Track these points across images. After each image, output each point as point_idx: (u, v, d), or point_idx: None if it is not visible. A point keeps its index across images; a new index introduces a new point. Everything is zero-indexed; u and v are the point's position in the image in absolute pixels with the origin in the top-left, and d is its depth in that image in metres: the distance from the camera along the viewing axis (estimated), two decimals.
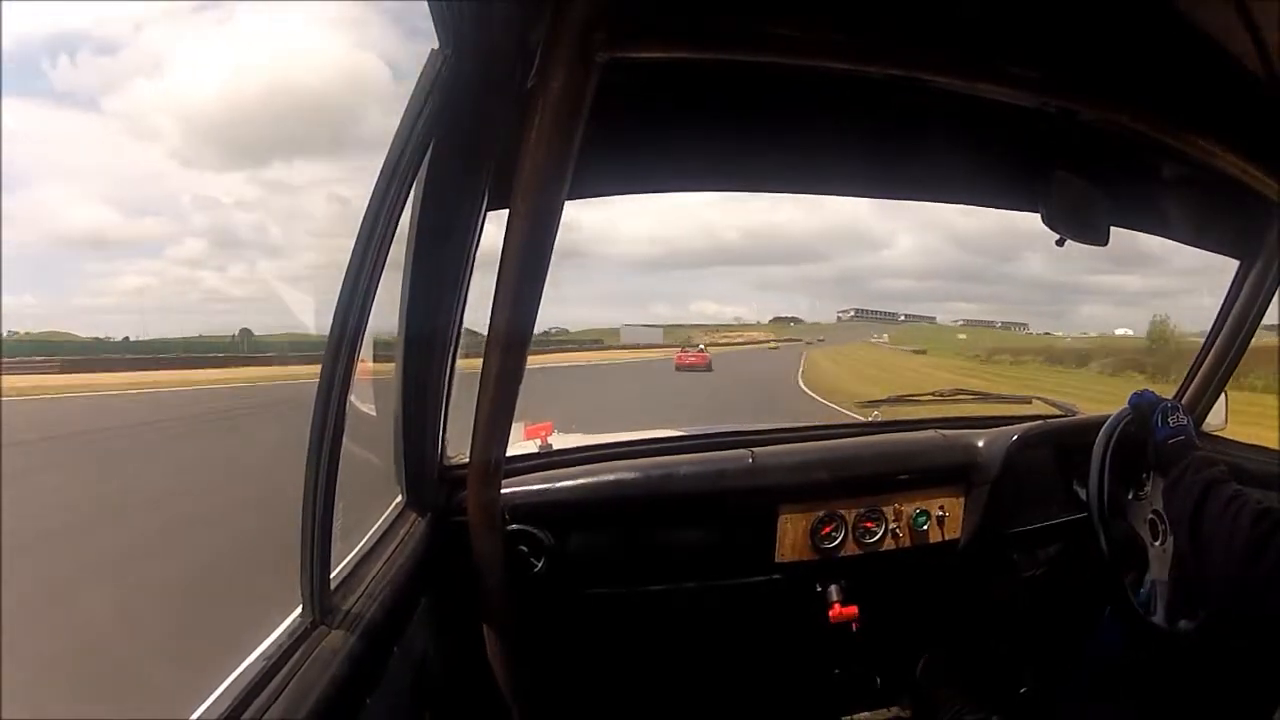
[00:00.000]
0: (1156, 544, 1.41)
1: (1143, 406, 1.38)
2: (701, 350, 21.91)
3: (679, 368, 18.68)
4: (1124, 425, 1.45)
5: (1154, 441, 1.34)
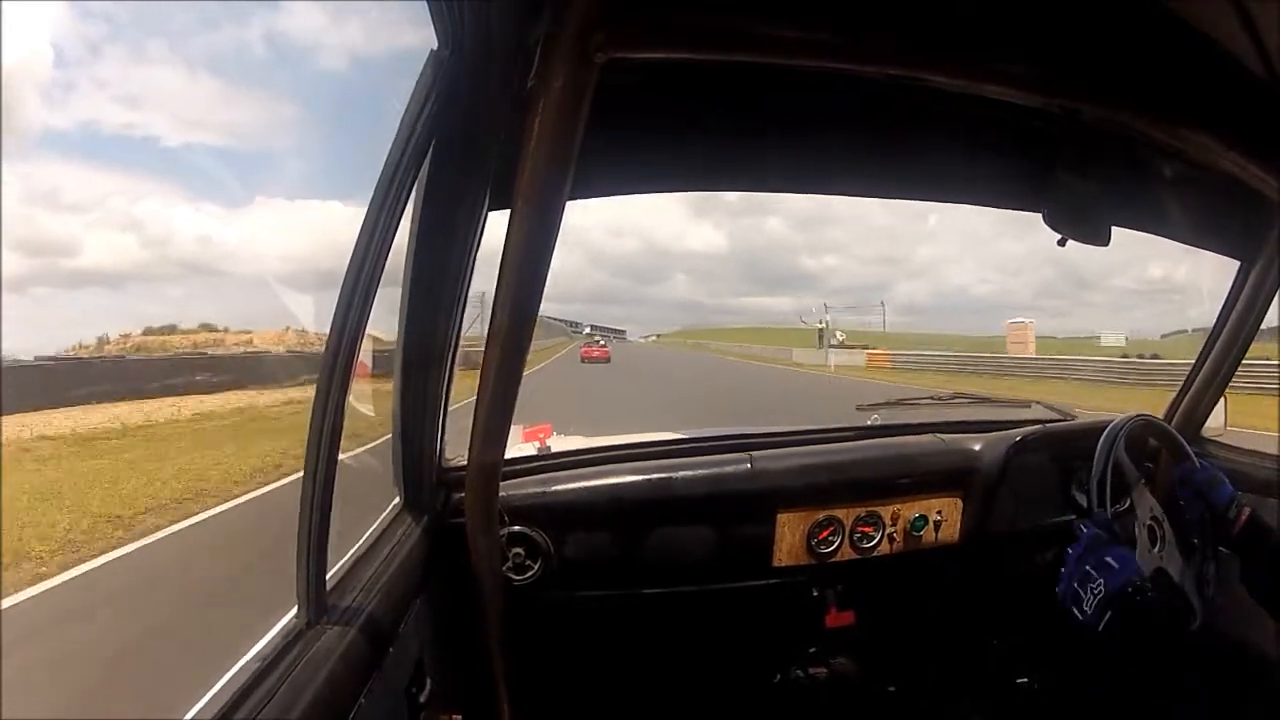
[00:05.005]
0: (1154, 549, 1.40)
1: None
2: (604, 346, 28.18)
3: (584, 360, 23.28)
4: (1126, 430, 1.45)
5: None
